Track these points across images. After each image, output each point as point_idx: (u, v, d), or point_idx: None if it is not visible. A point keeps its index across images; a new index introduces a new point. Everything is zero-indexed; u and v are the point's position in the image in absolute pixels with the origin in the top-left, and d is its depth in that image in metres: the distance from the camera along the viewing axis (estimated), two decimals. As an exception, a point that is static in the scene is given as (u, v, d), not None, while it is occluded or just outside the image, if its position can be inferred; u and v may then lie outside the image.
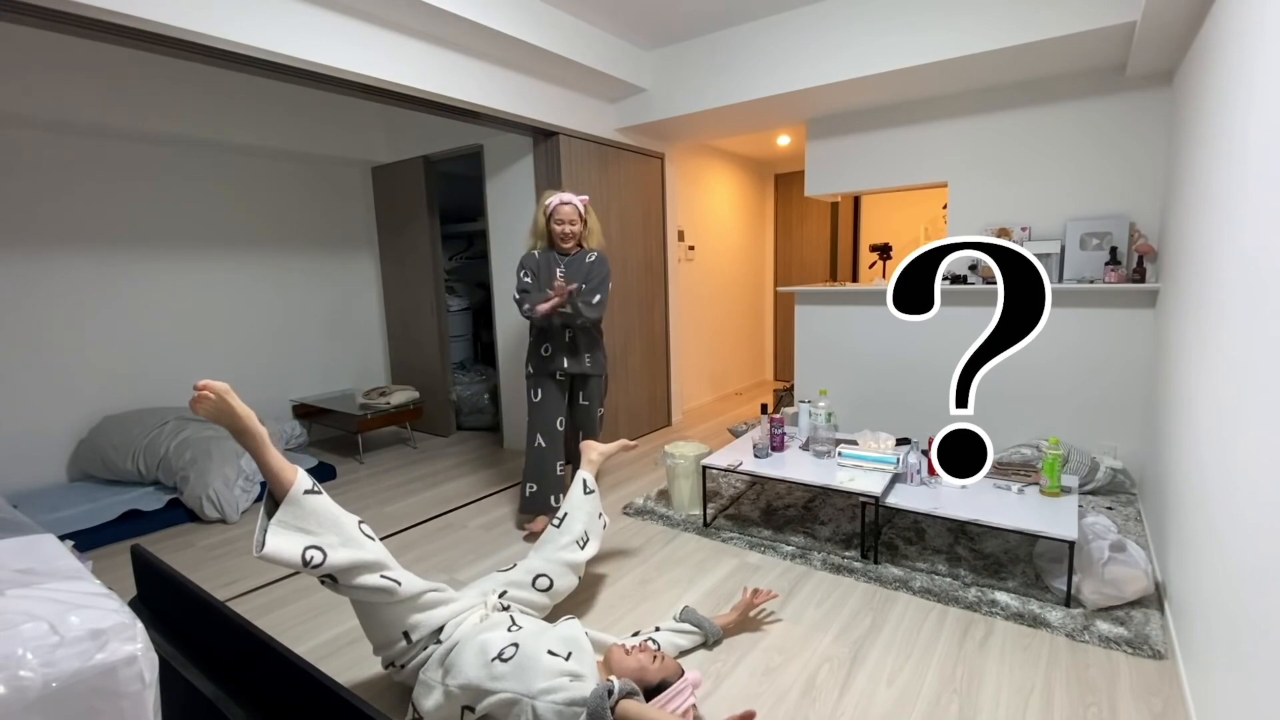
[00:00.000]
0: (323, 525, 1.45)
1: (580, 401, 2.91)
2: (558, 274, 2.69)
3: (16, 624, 0.87)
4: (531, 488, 2.77)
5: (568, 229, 2.71)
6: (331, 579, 1.46)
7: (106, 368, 3.46)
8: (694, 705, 1.52)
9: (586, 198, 2.82)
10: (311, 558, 1.41)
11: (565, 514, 2.08)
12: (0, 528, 1.40)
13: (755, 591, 2.04)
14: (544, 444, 2.75)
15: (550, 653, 1.47)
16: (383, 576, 1.51)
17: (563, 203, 2.70)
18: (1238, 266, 1.43)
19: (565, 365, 2.78)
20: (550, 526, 2.07)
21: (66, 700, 0.84)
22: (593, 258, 2.77)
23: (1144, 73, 2.85)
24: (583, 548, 2.02)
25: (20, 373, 3.17)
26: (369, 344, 4.83)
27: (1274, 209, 1.19)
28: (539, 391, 2.77)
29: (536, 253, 2.76)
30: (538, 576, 1.89)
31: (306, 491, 1.46)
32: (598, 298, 2.70)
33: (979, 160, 3.38)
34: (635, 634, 1.85)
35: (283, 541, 1.39)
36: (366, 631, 1.59)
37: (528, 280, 2.71)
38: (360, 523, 1.55)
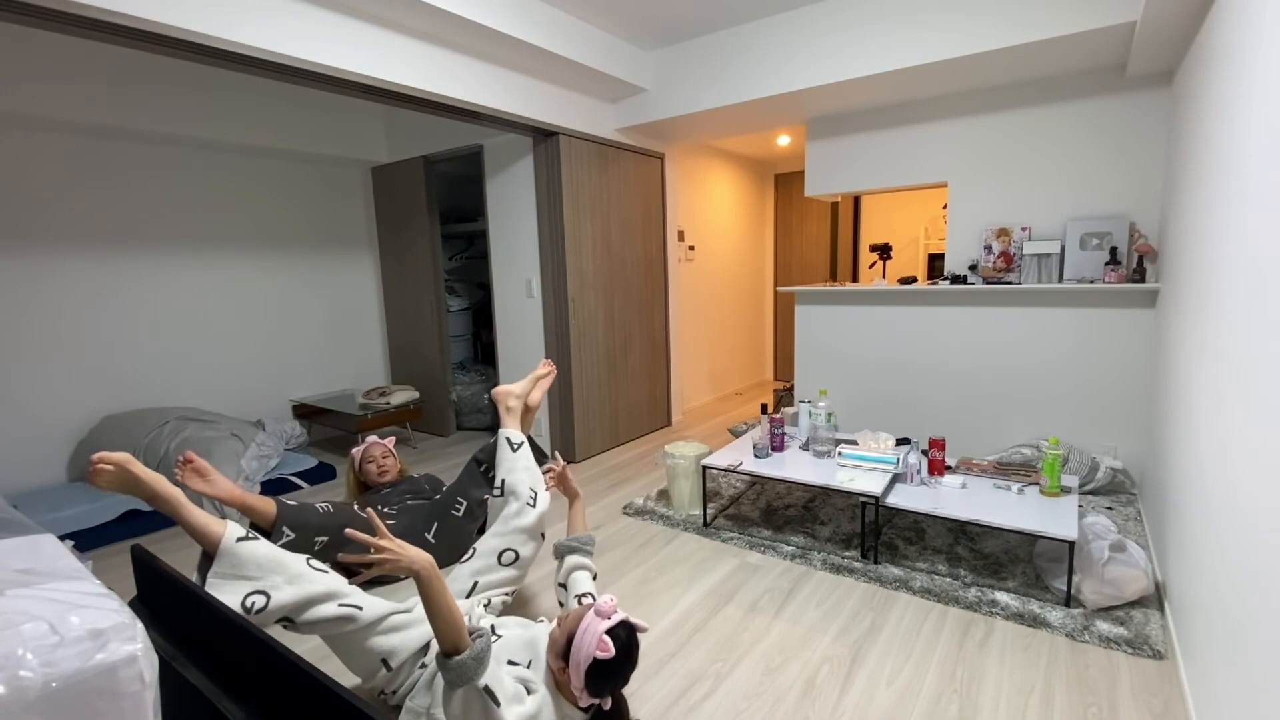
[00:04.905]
0: (263, 569, 1.41)
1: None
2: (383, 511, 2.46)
3: (16, 624, 0.87)
4: None
5: (381, 463, 2.63)
6: (288, 620, 1.41)
7: (107, 368, 3.46)
8: (604, 635, 1.32)
9: (393, 438, 2.78)
10: (253, 604, 1.35)
11: (502, 480, 1.95)
12: (0, 528, 1.40)
13: (551, 478, 1.99)
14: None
15: (511, 662, 1.43)
16: (340, 605, 1.45)
17: (373, 444, 2.66)
18: (1238, 267, 1.43)
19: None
20: (493, 498, 1.98)
21: (66, 700, 0.84)
22: (420, 473, 2.74)
23: (1144, 73, 2.85)
24: (534, 505, 1.89)
25: (21, 373, 3.17)
26: (369, 344, 4.83)
27: (1274, 209, 1.19)
28: None
29: (355, 506, 2.44)
30: (502, 553, 1.83)
31: (240, 539, 1.42)
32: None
33: (979, 160, 3.38)
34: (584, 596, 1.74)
35: (219, 595, 1.34)
36: (346, 665, 1.54)
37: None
38: (309, 560, 1.50)
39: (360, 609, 1.47)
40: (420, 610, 1.58)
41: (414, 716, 1.44)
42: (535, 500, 1.91)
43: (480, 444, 4.22)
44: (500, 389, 2.13)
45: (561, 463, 2.03)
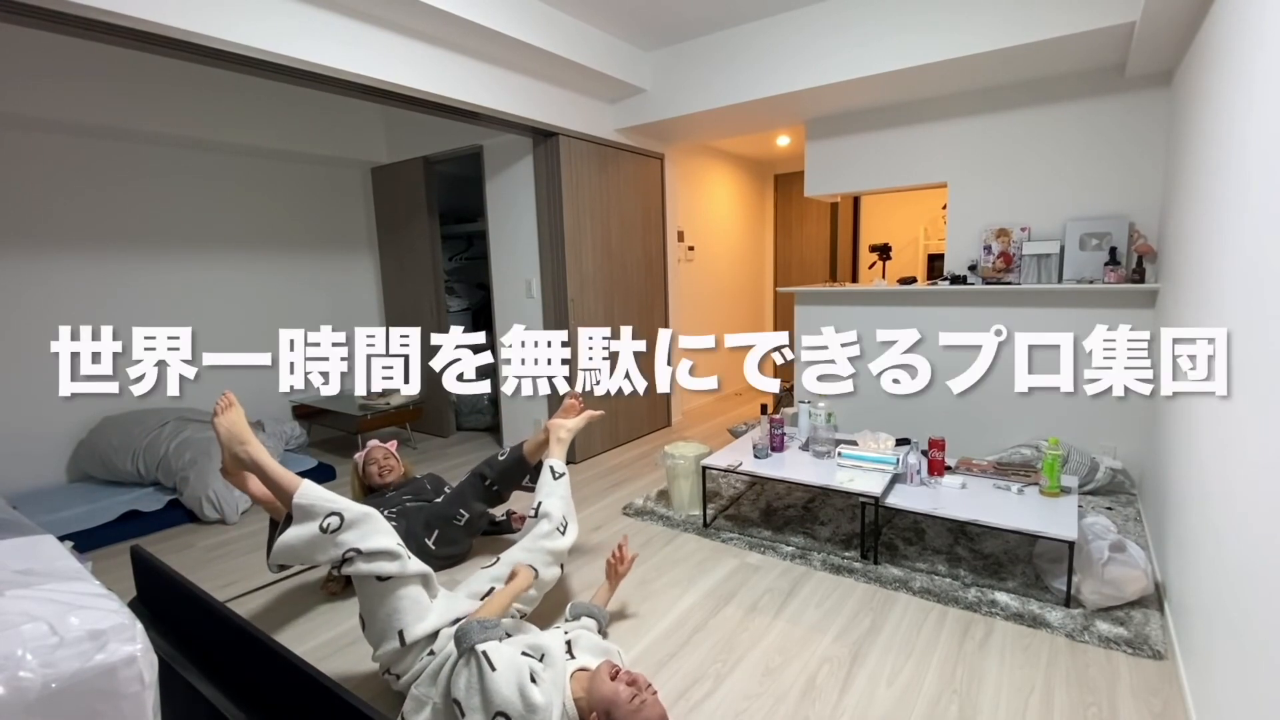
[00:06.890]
0: (336, 502, 1.56)
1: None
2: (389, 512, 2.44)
3: (16, 624, 0.87)
4: None
5: (382, 465, 2.66)
6: (354, 553, 1.50)
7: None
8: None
9: (394, 440, 2.83)
10: (329, 524, 1.50)
11: (540, 502, 2.04)
12: (0, 528, 1.40)
13: (617, 554, 2.03)
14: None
15: (524, 653, 1.47)
16: (397, 544, 1.57)
17: (375, 446, 2.71)
18: (1237, 267, 1.43)
19: None
20: (528, 518, 2.05)
21: (66, 701, 0.84)
22: (422, 474, 2.77)
23: (1144, 73, 2.85)
24: (564, 534, 1.98)
25: (20, 373, 3.17)
26: (369, 344, 4.82)
27: (1274, 209, 1.19)
28: None
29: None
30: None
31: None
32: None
33: (979, 160, 3.38)
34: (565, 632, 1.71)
35: (301, 523, 1.50)
36: (365, 628, 1.60)
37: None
38: None
39: (410, 557, 1.60)
40: (440, 604, 1.66)
41: (417, 703, 1.51)
42: (565, 529, 2.00)
43: (481, 447, 4.23)
44: (555, 420, 2.32)
45: (629, 553, 2.07)
